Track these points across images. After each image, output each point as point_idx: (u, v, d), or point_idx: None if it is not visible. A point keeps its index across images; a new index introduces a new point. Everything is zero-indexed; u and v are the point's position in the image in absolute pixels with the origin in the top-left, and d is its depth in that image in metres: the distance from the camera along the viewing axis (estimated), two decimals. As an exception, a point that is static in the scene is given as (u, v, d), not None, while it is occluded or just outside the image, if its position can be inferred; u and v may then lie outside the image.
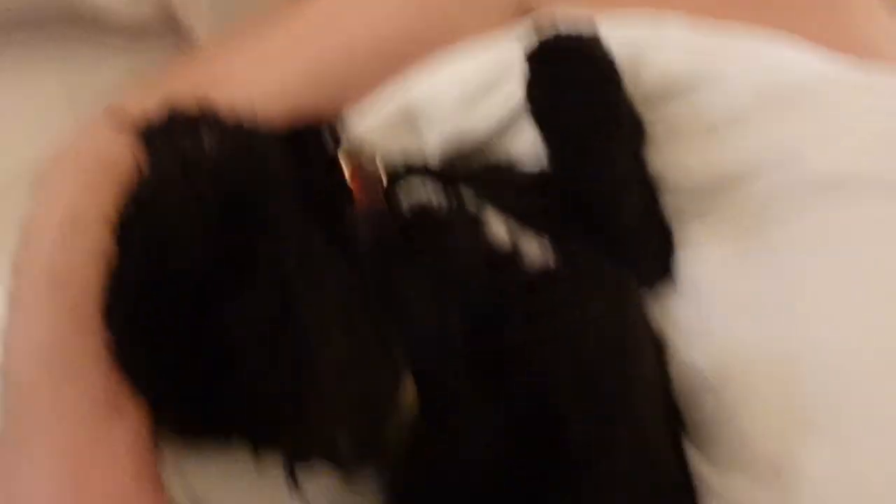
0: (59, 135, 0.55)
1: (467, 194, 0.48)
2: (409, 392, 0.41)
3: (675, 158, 0.49)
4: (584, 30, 0.48)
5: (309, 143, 0.51)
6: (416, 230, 0.45)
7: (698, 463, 0.44)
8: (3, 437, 0.41)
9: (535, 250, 0.45)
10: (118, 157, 0.45)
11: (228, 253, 0.40)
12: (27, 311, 0.42)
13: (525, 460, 0.40)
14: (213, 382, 0.38)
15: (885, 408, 0.40)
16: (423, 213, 0.46)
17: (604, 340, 0.40)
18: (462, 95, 0.54)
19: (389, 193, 0.48)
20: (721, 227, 0.47)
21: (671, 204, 0.49)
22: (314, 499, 0.45)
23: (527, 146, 0.53)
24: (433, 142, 0.55)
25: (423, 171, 0.51)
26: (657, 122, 0.49)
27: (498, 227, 0.46)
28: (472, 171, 0.54)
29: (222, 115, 0.48)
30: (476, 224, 0.45)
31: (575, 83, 0.46)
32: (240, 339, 0.37)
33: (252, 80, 0.56)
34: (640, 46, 0.50)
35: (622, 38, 0.49)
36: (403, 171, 0.51)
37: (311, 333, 0.38)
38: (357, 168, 0.49)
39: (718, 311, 0.45)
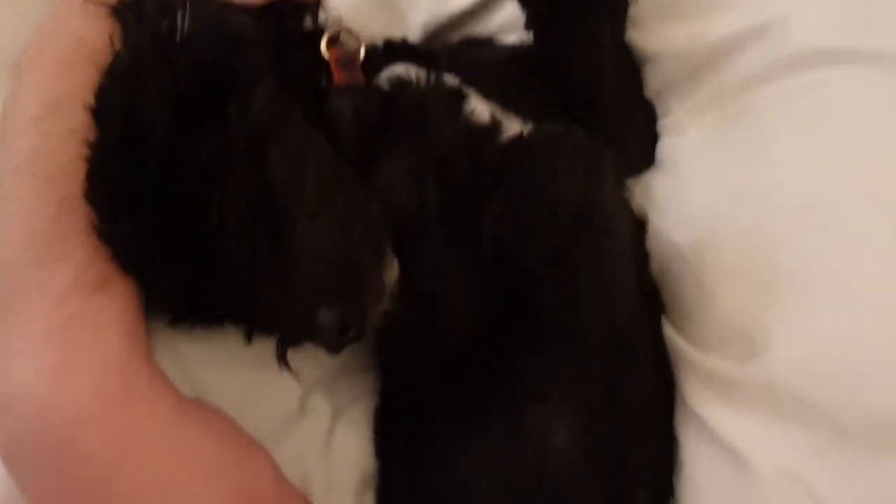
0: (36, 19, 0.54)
1: (447, 70, 0.48)
2: (392, 269, 0.41)
3: (663, 34, 0.48)
4: None
5: (287, 18, 0.50)
6: (394, 105, 0.45)
7: (675, 339, 0.46)
8: None
9: (513, 124, 0.45)
10: (93, 38, 0.44)
11: (203, 123, 0.40)
12: (11, 198, 0.42)
13: (499, 324, 0.41)
14: (199, 262, 0.39)
15: (850, 275, 0.41)
16: (401, 87, 0.45)
17: (575, 207, 0.40)
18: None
19: (368, 69, 0.47)
20: (703, 102, 0.47)
21: (657, 80, 0.49)
22: (307, 376, 0.46)
23: (507, 20, 0.52)
24: (414, 20, 0.54)
25: (403, 47, 0.51)
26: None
27: (477, 102, 0.46)
28: (451, 48, 0.53)
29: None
30: (454, 98, 0.45)
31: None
32: (221, 219, 0.38)
33: None
34: None
35: None
36: (383, 47, 0.50)
37: (292, 213, 0.38)
38: (335, 43, 0.48)
39: (696, 187, 0.46)
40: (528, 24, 0.48)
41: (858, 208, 0.41)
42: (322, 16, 0.50)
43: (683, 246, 0.45)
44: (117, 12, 0.46)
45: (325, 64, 0.47)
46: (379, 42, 0.50)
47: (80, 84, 0.42)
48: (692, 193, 0.46)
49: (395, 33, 0.53)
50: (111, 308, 0.40)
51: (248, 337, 0.43)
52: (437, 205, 0.42)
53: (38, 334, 0.38)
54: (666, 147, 0.48)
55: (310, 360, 0.45)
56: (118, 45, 0.43)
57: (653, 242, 0.47)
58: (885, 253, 0.41)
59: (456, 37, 0.54)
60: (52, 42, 0.49)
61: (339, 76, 0.46)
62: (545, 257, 0.40)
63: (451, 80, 0.46)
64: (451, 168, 0.43)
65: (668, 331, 0.45)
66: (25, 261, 0.39)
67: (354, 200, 0.40)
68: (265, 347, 0.41)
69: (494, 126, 0.44)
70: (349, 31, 0.49)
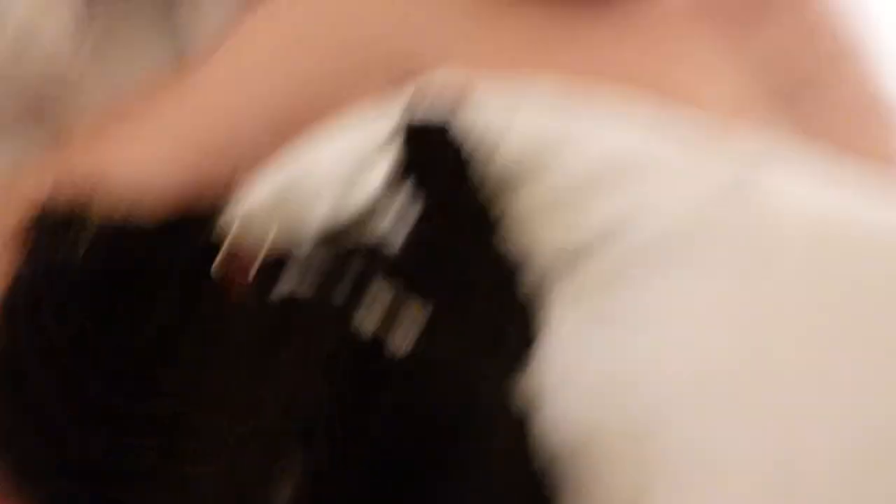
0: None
1: (348, 271, 0.50)
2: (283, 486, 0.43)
3: (538, 233, 0.51)
4: (443, 115, 0.50)
5: (187, 229, 0.52)
6: (285, 322, 0.47)
7: None
8: None
9: (400, 334, 0.47)
10: None
11: (97, 361, 0.42)
12: None
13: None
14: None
15: (717, 459, 0.44)
16: (289, 303, 0.48)
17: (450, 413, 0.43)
18: (343, 172, 0.56)
19: (262, 280, 0.50)
20: (577, 294, 0.50)
21: (536, 275, 0.52)
22: None
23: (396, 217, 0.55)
24: (319, 216, 0.57)
25: (302, 252, 0.53)
26: (519, 201, 0.51)
27: (369, 312, 0.48)
28: (352, 247, 0.56)
29: (99, 209, 0.50)
30: (342, 313, 0.47)
31: (432, 171, 0.49)
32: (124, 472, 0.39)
33: (138, 160, 0.57)
34: (505, 116, 0.52)
35: (486, 111, 0.52)
36: (281, 253, 0.53)
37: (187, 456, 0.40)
38: (233, 254, 0.51)
39: (571, 382, 0.48)
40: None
41: (713, 395, 0.45)
42: (224, 222, 0.53)
43: (568, 442, 0.47)
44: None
45: (219, 277, 0.50)
46: (280, 246, 0.53)
47: None
48: (570, 387, 0.48)
49: (302, 231, 0.55)
50: None
51: None
52: (326, 416, 0.45)
53: None
54: (544, 337, 0.51)
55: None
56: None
57: (545, 436, 0.49)
58: (745, 432, 0.44)
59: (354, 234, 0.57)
60: None
61: (234, 288, 0.49)
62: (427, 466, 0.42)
63: (346, 284, 0.48)
64: (338, 382, 0.45)
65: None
66: None
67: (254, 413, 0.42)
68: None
69: (378, 342, 0.46)
70: (249, 239, 0.52)
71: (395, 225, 0.54)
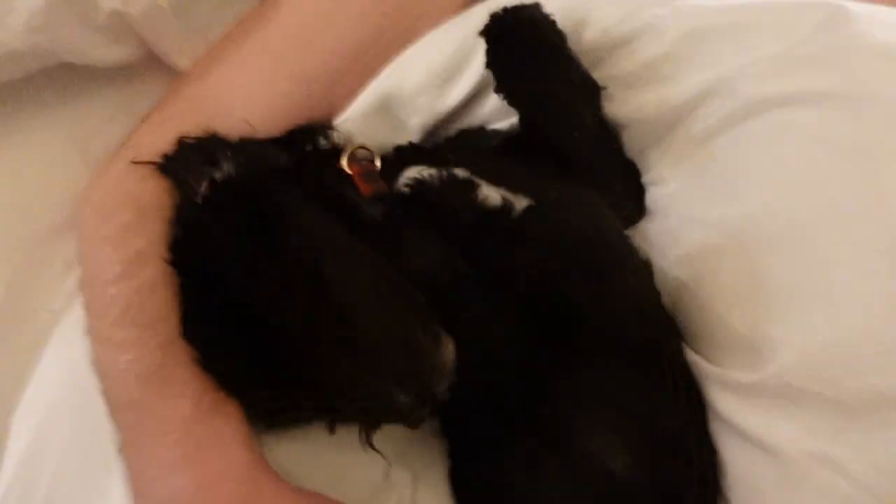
0: (75, 181, 0.61)
1: (453, 163, 0.55)
2: (449, 345, 0.47)
3: (630, 103, 0.56)
4: (527, 3, 0.55)
5: (304, 142, 0.57)
6: (417, 203, 0.52)
7: (696, 358, 0.52)
8: (124, 448, 0.48)
9: (521, 201, 0.52)
10: (149, 195, 0.51)
11: (269, 258, 0.46)
12: (114, 345, 0.48)
13: (542, 362, 0.48)
14: (286, 374, 0.45)
15: (829, 281, 0.47)
16: (420, 187, 0.52)
17: (593, 242, 0.48)
18: (433, 81, 0.60)
19: (387, 176, 0.54)
20: (676, 155, 0.55)
21: (634, 143, 0.56)
22: (386, 452, 0.51)
23: (494, 108, 0.60)
24: (414, 124, 0.62)
25: (412, 150, 0.58)
26: (606, 76, 0.56)
27: (487, 189, 0.53)
28: (452, 141, 0.61)
29: (227, 138, 0.55)
30: (467, 188, 0.52)
31: (528, 53, 0.53)
32: (298, 332, 0.44)
33: (242, 102, 0.61)
34: (578, 9, 0.57)
35: (559, 4, 0.56)
36: (394, 154, 0.58)
37: (353, 311, 0.44)
38: (353, 157, 0.56)
39: (685, 228, 0.53)
40: (520, 119, 0.56)
41: (822, 225, 0.48)
42: (334, 135, 0.58)
43: (686, 279, 0.52)
44: (166, 168, 0.53)
45: (348, 178, 0.54)
46: (389, 149, 0.58)
47: (153, 239, 0.49)
48: (683, 234, 0.53)
49: (399, 139, 0.60)
50: (228, 427, 0.46)
51: (331, 428, 0.49)
52: (467, 277, 0.49)
53: (174, 460, 0.44)
54: (653, 197, 0.55)
55: (386, 437, 0.51)
56: (176, 198, 0.51)
57: (658, 281, 0.54)
58: (850, 259, 0.48)
59: (452, 130, 0.62)
60: (109, 203, 0.55)
61: (364, 188, 0.53)
62: (578, 285, 0.47)
63: (461, 173, 0.53)
64: (475, 245, 0.50)
65: (688, 353, 0.52)
66: (147, 400, 0.46)
67: (403, 293, 0.47)
68: (345, 435, 0.48)
69: (507, 206, 0.51)
70: (362, 146, 0.57)
71: (494, 109, 0.58)
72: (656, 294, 0.53)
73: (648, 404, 0.49)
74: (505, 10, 0.54)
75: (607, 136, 0.56)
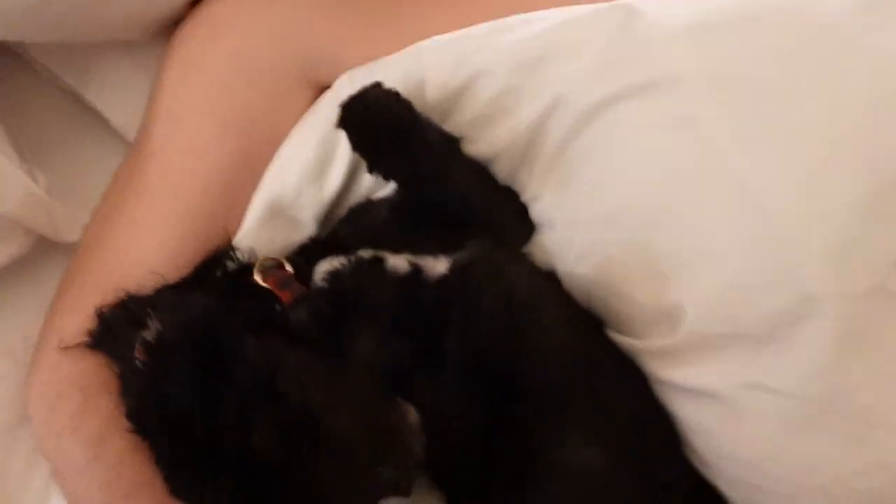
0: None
1: (355, 245, 0.59)
2: (411, 414, 0.51)
3: (487, 140, 0.62)
4: (368, 86, 0.60)
5: (215, 271, 0.60)
6: (337, 296, 0.56)
7: (621, 339, 0.58)
8: None
9: (427, 261, 0.57)
10: (88, 374, 0.54)
11: (224, 394, 0.49)
12: None
13: (501, 407, 0.53)
14: (267, 488, 0.48)
15: (710, 242, 0.54)
16: (335, 279, 0.56)
17: (512, 296, 0.53)
18: (310, 175, 0.65)
19: (301, 278, 0.58)
20: (541, 171, 0.61)
21: (502, 172, 0.62)
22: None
23: (371, 181, 0.65)
24: (307, 218, 0.66)
25: (314, 245, 0.62)
26: (459, 124, 0.61)
27: (393, 258, 0.58)
28: (345, 223, 0.65)
29: (143, 294, 0.57)
30: (376, 266, 0.56)
31: (385, 131, 0.58)
32: (271, 451, 0.47)
33: (143, 256, 0.64)
34: (412, 74, 0.62)
35: (398, 76, 0.61)
36: (300, 254, 0.61)
37: (317, 417, 0.48)
38: (264, 270, 0.59)
39: (572, 230, 0.59)
40: (398, 187, 0.61)
41: (680, 192, 0.55)
42: (238, 255, 0.62)
43: (590, 274, 0.58)
44: (95, 345, 0.55)
45: (266, 291, 0.58)
46: (293, 250, 0.62)
47: (107, 414, 0.52)
48: (572, 237, 0.59)
49: (298, 236, 0.64)
50: None
51: None
52: (408, 351, 0.54)
53: None
54: (536, 213, 0.61)
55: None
56: (115, 369, 0.53)
57: (566, 284, 0.60)
58: (713, 213, 0.54)
59: (342, 210, 0.66)
60: (51, 394, 0.57)
61: (284, 296, 0.57)
62: (505, 350, 0.52)
63: (365, 253, 0.58)
64: (405, 321, 0.54)
65: (614, 336, 0.58)
66: None
67: (355, 382, 0.51)
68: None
69: (415, 270, 0.56)
70: (267, 258, 0.60)
71: (376, 182, 0.63)
72: (570, 297, 0.59)
73: (605, 399, 0.55)
74: (352, 98, 0.59)
75: (481, 176, 0.61)
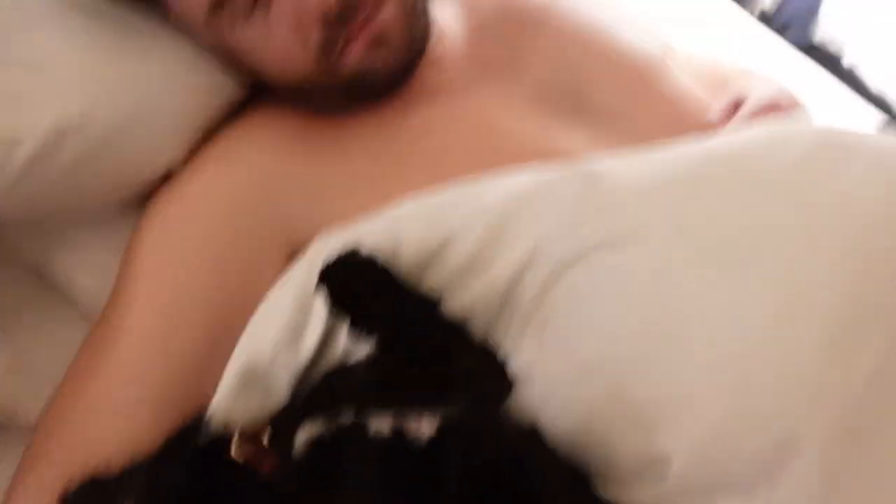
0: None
1: (335, 410, 0.58)
2: None
3: (464, 296, 0.63)
4: (345, 247, 0.61)
5: (188, 444, 0.58)
6: (321, 464, 0.54)
7: (611, 490, 0.57)
8: None
9: (409, 423, 0.56)
10: None
11: None
12: None
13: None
14: None
15: (680, 375, 0.55)
16: (318, 447, 0.55)
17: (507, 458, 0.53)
18: (284, 340, 0.64)
19: (282, 444, 0.56)
20: (518, 325, 0.62)
21: (480, 325, 0.63)
22: None
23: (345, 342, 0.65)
24: (282, 383, 0.64)
25: (292, 411, 0.61)
26: (437, 281, 0.63)
27: (374, 422, 0.56)
28: (323, 388, 0.64)
29: (113, 473, 0.55)
30: (358, 430, 0.55)
31: (366, 295, 0.59)
32: None
33: (112, 433, 0.61)
34: (388, 234, 0.64)
35: (374, 240, 0.63)
36: (279, 422, 0.60)
37: None
38: (243, 441, 0.57)
39: (547, 384, 0.59)
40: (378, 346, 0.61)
41: (656, 341, 0.57)
42: (212, 427, 0.60)
43: (573, 429, 0.58)
44: None
45: (244, 466, 0.56)
46: (268, 416, 0.60)
47: None
48: (552, 392, 0.59)
49: (273, 401, 0.63)
50: None
51: None
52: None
53: None
54: (515, 367, 0.62)
55: None
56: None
57: (550, 438, 0.59)
58: (691, 362, 0.56)
59: (320, 370, 0.65)
60: None
61: (266, 468, 0.55)
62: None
63: (346, 418, 0.56)
64: (391, 489, 0.53)
65: (601, 493, 0.57)
66: None
67: None
68: None
69: (397, 432, 0.55)
70: (244, 428, 0.58)
71: (353, 343, 0.63)
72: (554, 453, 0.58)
73: None
74: (330, 263, 0.60)
75: (460, 334, 0.62)
